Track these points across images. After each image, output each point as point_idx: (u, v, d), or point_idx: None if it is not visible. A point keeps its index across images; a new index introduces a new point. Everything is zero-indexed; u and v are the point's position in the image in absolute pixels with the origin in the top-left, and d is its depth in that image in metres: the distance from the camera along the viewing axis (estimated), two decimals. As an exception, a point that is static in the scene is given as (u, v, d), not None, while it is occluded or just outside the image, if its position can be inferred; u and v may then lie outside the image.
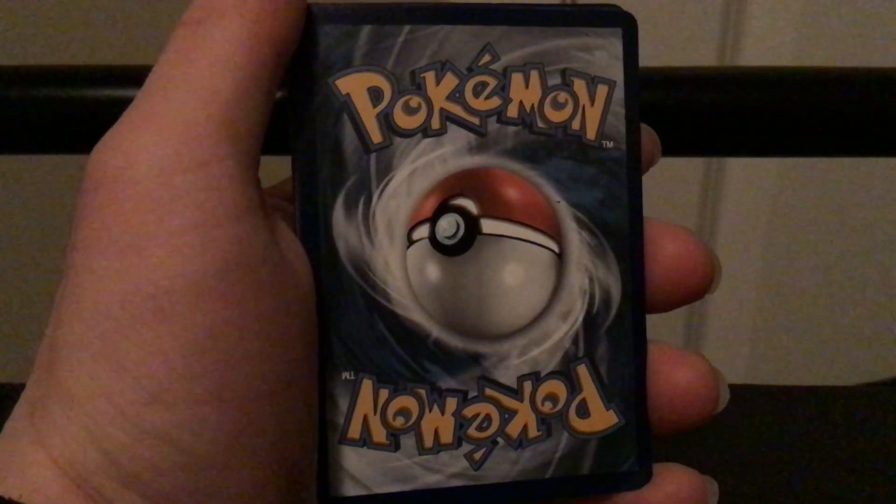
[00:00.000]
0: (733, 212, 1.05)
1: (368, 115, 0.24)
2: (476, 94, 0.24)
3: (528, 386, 0.25)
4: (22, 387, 0.21)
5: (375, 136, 0.24)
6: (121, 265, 0.20)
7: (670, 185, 1.01)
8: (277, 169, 0.27)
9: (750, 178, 1.03)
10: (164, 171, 0.20)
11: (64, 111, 0.35)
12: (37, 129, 0.35)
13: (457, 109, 0.24)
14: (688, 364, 0.26)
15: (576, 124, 0.25)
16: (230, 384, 0.20)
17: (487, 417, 0.25)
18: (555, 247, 0.25)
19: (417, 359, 0.24)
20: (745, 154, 0.37)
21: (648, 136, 0.26)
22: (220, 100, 0.21)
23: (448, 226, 0.24)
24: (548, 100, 0.25)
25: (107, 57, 0.37)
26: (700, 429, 0.26)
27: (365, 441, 0.24)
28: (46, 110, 0.35)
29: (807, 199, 1.05)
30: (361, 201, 0.24)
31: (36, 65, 0.36)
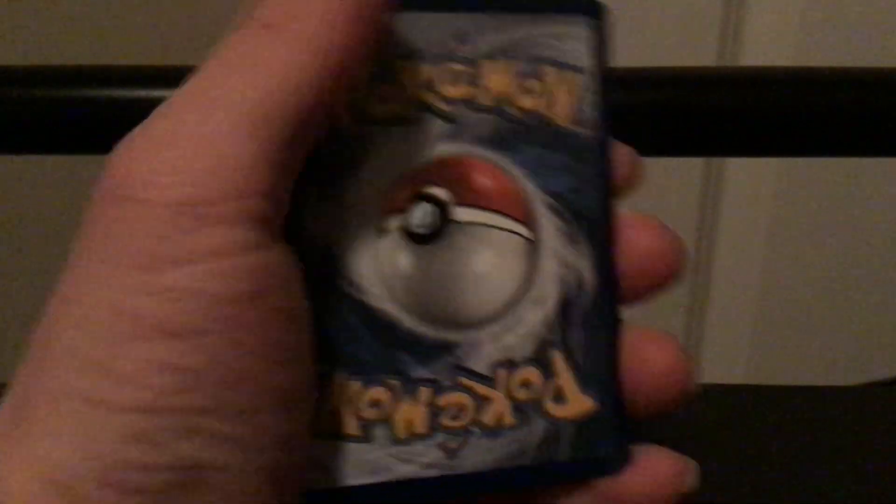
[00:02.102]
0: (733, 212, 1.05)
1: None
2: (447, 82, 0.24)
3: (502, 373, 0.25)
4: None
5: (347, 125, 0.24)
6: (127, 280, 0.19)
7: (670, 185, 1.01)
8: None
9: (750, 178, 1.03)
10: (190, 198, 0.19)
11: (64, 111, 0.35)
12: (37, 129, 0.35)
13: (429, 97, 0.24)
14: (658, 342, 0.26)
15: (547, 111, 0.25)
16: (227, 400, 0.19)
17: (462, 406, 0.25)
18: (528, 233, 0.25)
19: (389, 349, 0.24)
20: (745, 154, 0.37)
21: (628, 156, 0.26)
22: (272, 127, 0.19)
23: (421, 214, 0.24)
24: (519, 87, 0.25)
25: (107, 57, 0.37)
26: (693, 425, 0.26)
27: (337, 433, 0.24)
28: (46, 110, 0.35)
29: (807, 199, 1.05)
30: (333, 191, 0.24)
31: (36, 65, 0.36)
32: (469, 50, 0.24)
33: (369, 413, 0.24)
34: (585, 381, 0.25)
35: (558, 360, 0.25)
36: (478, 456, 0.25)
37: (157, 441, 0.19)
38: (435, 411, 0.24)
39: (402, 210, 0.24)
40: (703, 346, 1.11)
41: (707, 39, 0.99)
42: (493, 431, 0.25)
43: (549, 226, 0.25)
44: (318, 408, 0.24)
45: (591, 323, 0.25)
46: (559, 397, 0.25)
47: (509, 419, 0.25)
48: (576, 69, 0.25)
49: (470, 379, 0.25)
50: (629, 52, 0.95)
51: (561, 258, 0.25)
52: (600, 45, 0.26)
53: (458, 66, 0.24)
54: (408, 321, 0.24)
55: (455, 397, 0.25)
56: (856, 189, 1.04)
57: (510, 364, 0.25)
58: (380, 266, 0.24)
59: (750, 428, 0.47)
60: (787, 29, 0.97)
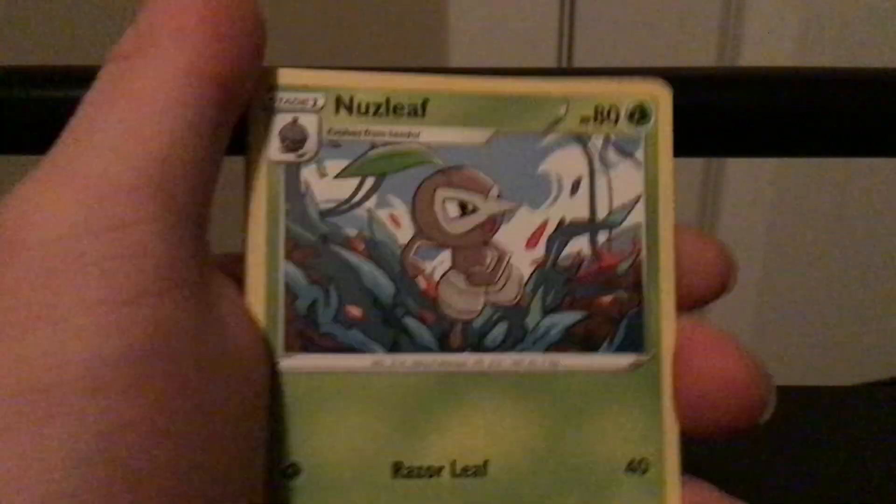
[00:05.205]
0: (733, 212, 1.05)
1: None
2: None
3: None
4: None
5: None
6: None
7: (670, 185, 1.01)
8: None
9: (750, 178, 1.03)
10: (66, 236, 0.17)
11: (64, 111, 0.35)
12: (37, 130, 0.35)
13: None
14: (718, 347, 0.23)
15: None
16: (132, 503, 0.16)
17: None
18: None
19: None
20: (745, 154, 0.37)
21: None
22: (148, 149, 0.18)
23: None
24: None
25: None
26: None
27: None
28: (47, 110, 0.35)
29: (807, 199, 1.05)
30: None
31: (36, 65, 0.36)
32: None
33: None
34: None
35: None
36: None
37: None
38: None
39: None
40: (703, 346, 1.11)
41: (707, 39, 0.99)
42: None
43: None
44: None
45: None
46: None
47: None
48: None
49: None
50: (629, 52, 0.95)
51: None
52: None
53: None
54: None
55: None
56: (855, 189, 1.04)
57: None
58: None
59: (750, 428, 0.47)
60: (787, 29, 0.97)
